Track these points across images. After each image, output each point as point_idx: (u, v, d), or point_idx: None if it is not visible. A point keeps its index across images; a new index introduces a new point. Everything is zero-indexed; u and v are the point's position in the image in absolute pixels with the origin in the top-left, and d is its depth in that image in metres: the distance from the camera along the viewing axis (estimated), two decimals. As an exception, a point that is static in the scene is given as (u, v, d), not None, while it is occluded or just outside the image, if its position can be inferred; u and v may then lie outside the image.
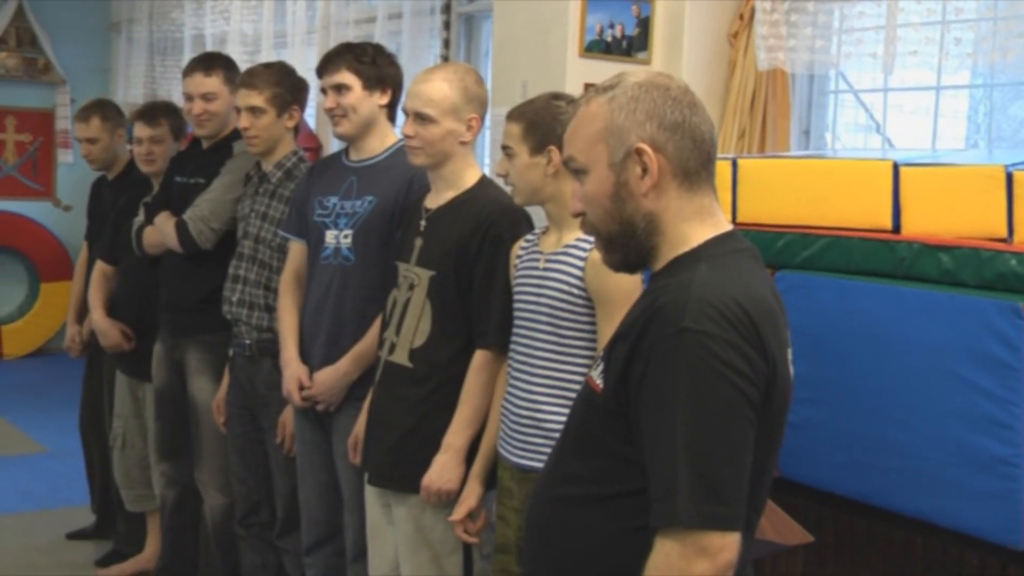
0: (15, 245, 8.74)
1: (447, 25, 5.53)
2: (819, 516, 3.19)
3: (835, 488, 3.09)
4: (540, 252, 2.79)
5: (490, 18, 5.56)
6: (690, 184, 1.74)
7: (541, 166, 2.73)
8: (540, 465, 2.72)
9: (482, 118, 3.04)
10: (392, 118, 3.41)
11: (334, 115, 3.30)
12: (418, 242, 3.00)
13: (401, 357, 2.97)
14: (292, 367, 3.36)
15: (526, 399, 2.75)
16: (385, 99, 3.33)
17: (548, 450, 2.71)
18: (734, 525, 1.58)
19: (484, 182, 3.06)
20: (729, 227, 1.79)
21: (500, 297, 2.88)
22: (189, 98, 3.98)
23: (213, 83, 3.95)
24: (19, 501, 5.46)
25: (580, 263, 2.70)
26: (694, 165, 1.74)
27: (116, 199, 4.65)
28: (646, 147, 1.72)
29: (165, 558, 4.29)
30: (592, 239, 2.63)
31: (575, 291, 2.69)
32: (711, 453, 1.58)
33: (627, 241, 1.79)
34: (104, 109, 4.79)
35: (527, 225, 3.00)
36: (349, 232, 3.27)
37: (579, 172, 1.81)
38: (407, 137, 2.99)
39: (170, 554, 4.27)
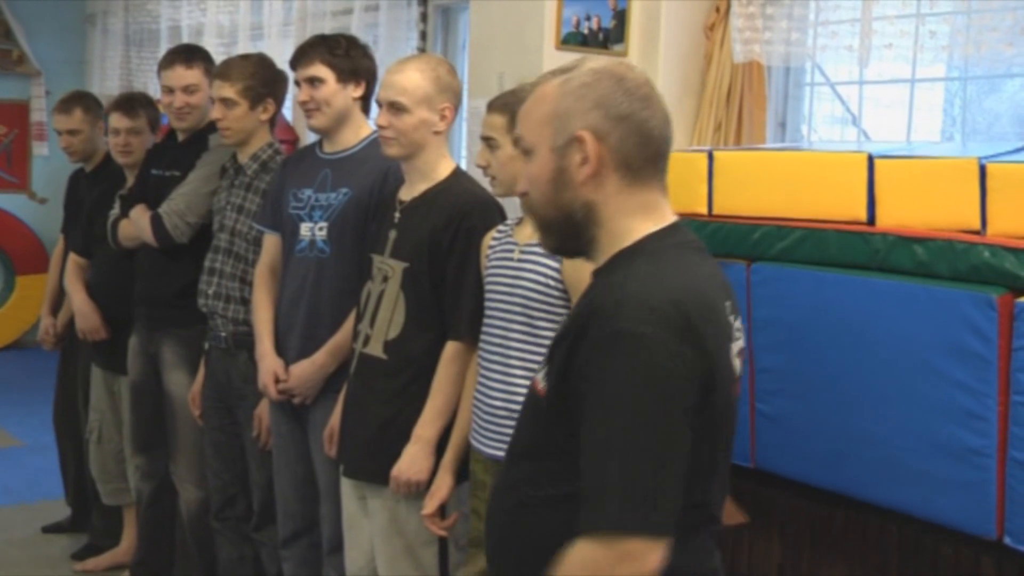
0: (-10, 238, 8.69)
1: (424, 17, 5.51)
2: (795, 507, 3.20)
3: (811, 479, 3.10)
4: (514, 243, 2.79)
5: (467, 10, 5.54)
6: (633, 178, 1.72)
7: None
8: None
9: (455, 108, 3.05)
10: (366, 110, 3.41)
11: (308, 108, 3.29)
12: (392, 234, 3.00)
13: (375, 349, 2.97)
14: (268, 360, 3.35)
15: (502, 390, 2.75)
16: (359, 91, 3.32)
17: None
18: (662, 531, 1.55)
19: (458, 174, 3.06)
20: (673, 219, 1.77)
21: (472, 289, 2.89)
22: (169, 91, 3.95)
23: (194, 75, 3.94)
24: (-4, 495, 5.45)
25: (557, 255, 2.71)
26: (638, 159, 1.72)
27: (94, 192, 4.63)
28: (587, 135, 1.70)
29: (141, 552, 4.28)
30: None
31: (551, 282, 2.69)
32: (643, 459, 1.54)
33: (564, 228, 1.77)
34: (85, 100, 4.78)
35: (500, 217, 3.00)
36: (324, 224, 3.26)
37: (526, 152, 1.80)
38: (381, 128, 2.98)
39: (146, 548, 4.26)
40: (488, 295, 2.82)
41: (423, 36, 5.51)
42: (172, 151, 4.07)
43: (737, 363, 1.74)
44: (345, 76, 3.29)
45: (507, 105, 2.77)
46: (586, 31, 4.15)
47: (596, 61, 1.77)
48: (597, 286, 1.73)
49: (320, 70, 3.26)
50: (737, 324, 1.77)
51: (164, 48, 7.46)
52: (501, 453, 2.74)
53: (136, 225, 3.94)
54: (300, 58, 3.31)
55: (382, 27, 5.60)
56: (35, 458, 5.88)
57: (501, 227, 2.91)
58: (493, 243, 2.87)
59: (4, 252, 8.74)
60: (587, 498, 1.58)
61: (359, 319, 3.05)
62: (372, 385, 2.98)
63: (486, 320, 2.81)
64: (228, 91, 3.60)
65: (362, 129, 3.36)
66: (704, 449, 1.63)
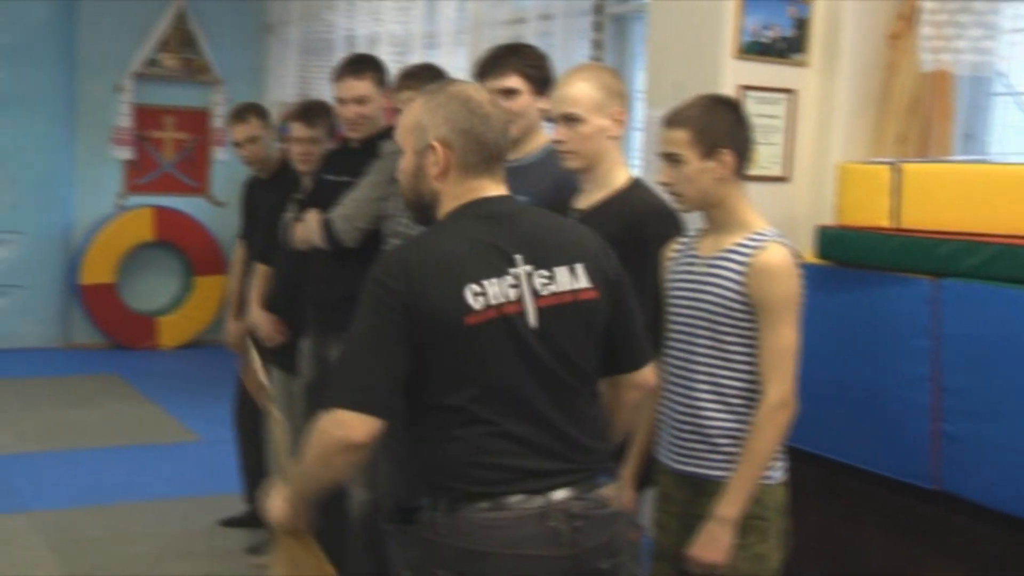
0: (171, 239, 9.02)
1: (598, 26, 5.51)
2: (982, 533, 3.09)
3: (1000, 504, 2.99)
4: (697, 256, 2.77)
5: (641, 19, 5.52)
6: (468, 174, 2.31)
7: (713, 170, 2.71)
8: (702, 471, 2.70)
9: (626, 111, 3.03)
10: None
11: None
12: None
13: None
14: None
15: (686, 405, 2.73)
16: (546, 103, 3.32)
17: (711, 456, 2.70)
18: (359, 407, 2.16)
19: (635, 183, 3.05)
20: (480, 196, 2.31)
21: (650, 302, 2.85)
22: (342, 102, 4.03)
23: (365, 86, 4.00)
24: (175, 487, 5.64)
25: (741, 268, 2.68)
26: (474, 161, 2.30)
27: (272, 198, 4.76)
28: (437, 145, 2.29)
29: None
30: (753, 243, 2.64)
31: (735, 296, 2.67)
32: (352, 358, 2.22)
33: (420, 207, 2.37)
34: (257, 108, 4.95)
35: (677, 226, 2.97)
36: None
37: (401, 151, 2.38)
38: (559, 143, 2.99)
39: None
40: (671, 308, 2.80)
41: (597, 45, 5.51)
42: (345, 157, 4.15)
43: (479, 300, 2.21)
44: (538, 87, 3.29)
45: (689, 120, 2.75)
46: (766, 40, 4.09)
47: (452, 86, 2.39)
48: None
49: (515, 81, 3.27)
50: (529, 271, 2.26)
51: (339, 57, 7.64)
52: (689, 468, 2.73)
53: (308, 228, 4.03)
54: (492, 68, 3.31)
55: (556, 36, 5.61)
56: (211, 452, 6.06)
57: (684, 239, 2.88)
58: (675, 255, 2.85)
59: (184, 254, 9.06)
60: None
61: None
62: None
63: (669, 334, 2.79)
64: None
65: (541, 138, 3.37)
66: (441, 360, 2.19)
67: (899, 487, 3.31)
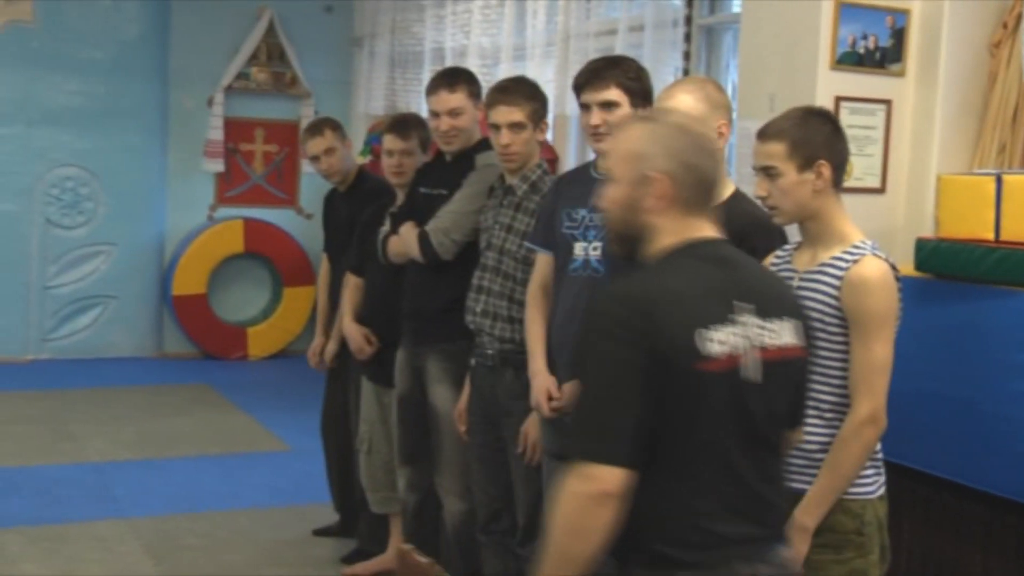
0: (261, 251, 9.15)
1: (688, 37, 5.49)
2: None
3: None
4: (794, 270, 2.75)
5: (731, 30, 5.50)
6: (687, 210, 2.18)
7: (810, 182, 2.70)
8: (803, 487, 2.68)
9: (730, 123, 3.01)
10: None
11: (599, 132, 3.27)
12: None
13: None
14: (541, 378, 3.39)
15: None
16: None
17: (810, 471, 2.67)
18: (610, 459, 2.00)
19: (738, 195, 3.03)
20: (701, 236, 2.18)
21: None
22: (435, 115, 4.05)
23: (458, 99, 4.02)
24: (268, 496, 5.72)
25: (836, 282, 2.65)
26: (693, 197, 2.18)
27: (351, 210, 4.80)
28: (659, 176, 2.15)
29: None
30: (850, 256, 2.61)
31: (829, 310, 2.65)
32: (594, 402, 2.05)
33: (628, 241, 2.24)
34: (331, 122, 4.99)
35: (781, 239, 2.96)
36: (598, 244, 3.27)
37: (609, 179, 2.25)
38: None
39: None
40: None
41: (687, 56, 5.49)
42: (440, 170, 4.17)
43: (709, 347, 2.06)
44: (638, 100, 3.29)
45: (784, 132, 2.73)
46: (862, 50, 4.05)
47: (674, 117, 2.40)
48: None
49: (615, 94, 3.26)
50: (754, 321, 2.12)
51: (428, 69, 7.72)
52: (795, 485, 2.69)
53: (404, 242, 4.06)
54: (593, 81, 3.30)
55: (646, 47, 5.60)
56: (301, 462, 6.14)
57: (780, 252, 2.87)
58: (772, 267, 2.83)
59: (273, 265, 9.19)
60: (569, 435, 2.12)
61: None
62: None
63: None
64: (517, 115, 3.64)
65: None
66: (661, 405, 2.03)
67: (999, 503, 3.26)
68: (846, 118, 4.00)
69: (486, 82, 6.88)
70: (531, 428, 3.56)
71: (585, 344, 2.11)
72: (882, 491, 2.75)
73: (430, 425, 4.10)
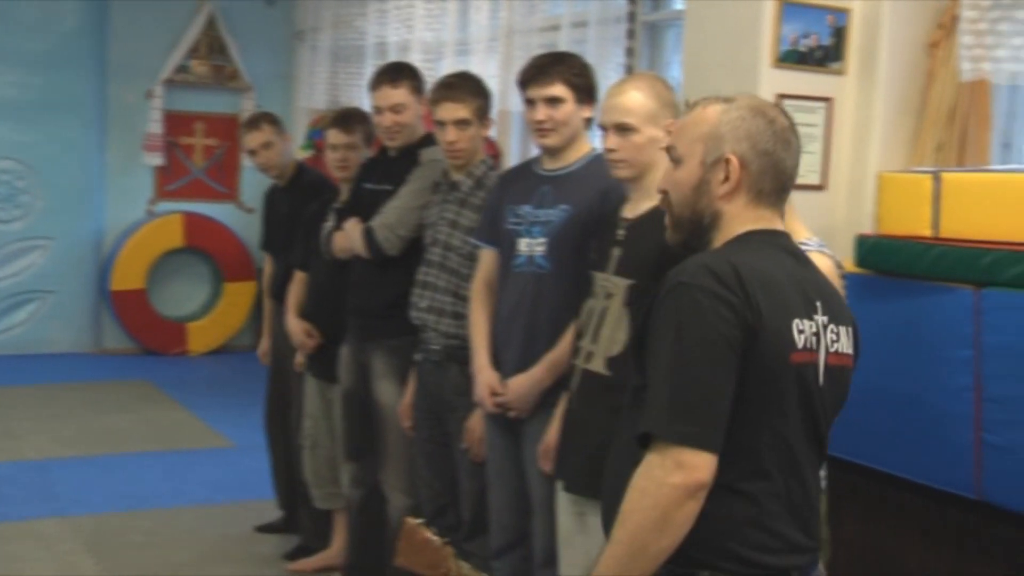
0: (201, 246, 9.08)
1: (631, 34, 5.52)
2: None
3: (1044, 514, 2.99)
4: None
5: (674, 27, 5.54)
6: (759, 201, 2.06)
7: None
8: None
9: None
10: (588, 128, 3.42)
11: (543, 128, 3.29)
12: (616, 252, 2.99)
13: (598, 365, 2.97)
14: (485, 374, 3.41)
15: None
16: (589, 112, 3.33)
17: None
18: (706, 445, 1.85)
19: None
20: (776, 227, 2.08)
21: None
22: (379, 111, 4.04)
23: (401, 94, 4.01)
24: (211, 492, 5.69)
25: None
26: (768, 188, 2.06)
27: (291, 206, 4.78)
28: (734, 160, 2.04)
29: (352, 556, 4.39)
30: (812, 243, 2.66)
31: None
32: (688, 380, 1.87)
33: (692, 227, 2.11)
34: (269, 116, 4.98)
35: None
36: (543, 240, 3.28)
37: (676, 160, 2.13)
38: (609, 151, 2.99)
39: (357, 552, 4.37)
40: None
41: (630, 53, 5.52)
42: (384, 165, 4.16)
43: (800, 337, 1.96)
44: (583, 96, 3.30)
45: None
46: (804, 49, 4.09)
47: (751, 100, 2.12)
48: None
49: (560, 90, 3.27)
50: (825, 322, 2.02)
51: (370, 64, 7.68)
52: None
53: (349, 237, 4.06)
54: (538, 76, 3.31)
55: (590, 43, 5.62)
56: (245, 458, 6.11)
57: None
58: None
59: (214, 260, 9.12)
60: (647, 413, 1.90)
61: (580, 336, 3.05)
62: (595, 401, 2.97)
63: None
64: (463, 111, 3.65)
65: (584, 147, 3.38)
66: (746, 391, 1.89)
67: (941, 497, 3.31)
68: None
69: (429, 77, 6.87)
70: (476, 424, 3.56)
71: (666, 315, 1.91)
72: (823, 485, 2.78)
73: (375, 421, 4.10)
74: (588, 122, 3.38)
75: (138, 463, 6.15)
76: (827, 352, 2.01)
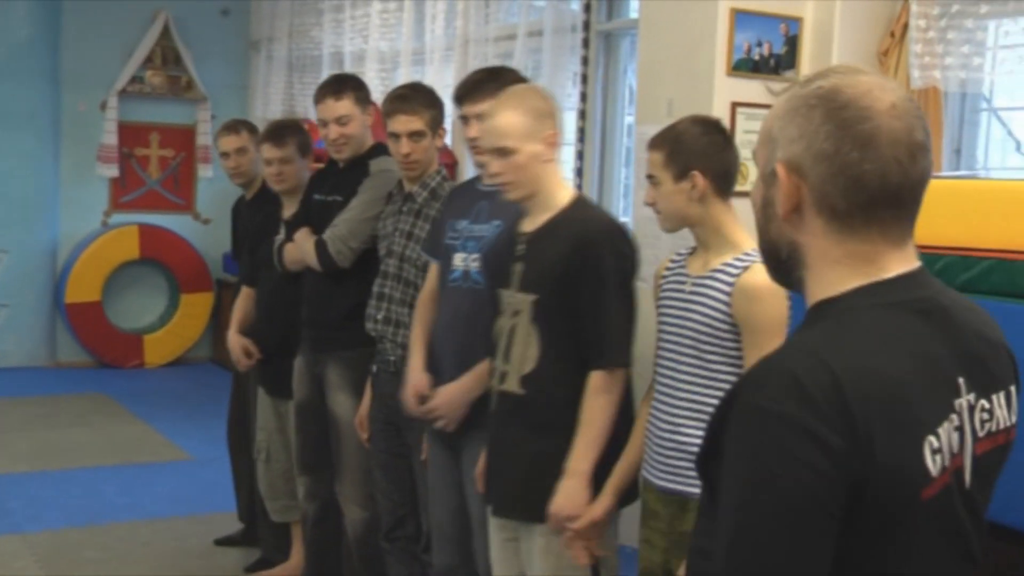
0: (157, 257, 9.00)
1: (586, 43, 5.54)
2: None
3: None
4: (687, 275, 2.78)
5: (629, 36, 5.57)
6: (841, 225, 1.45)
7: (685, 191, 2.72)
8: (684, 488, 2.71)
9: (559, 130, 3.00)
10: None
11: (477, 144, 3.24)
12: (518, 267, 2.97)
13: (512, 385, 2.94)
14: (414, 376, 3.39)
15: (668, 423, 2.74)
16: None
17: (692, 473, 2.66)
18: None
19: (578, 202, 3.02)
20: (893, 274, 1.46)
21: (614, 317, 2.86)
22: (324, 123, 4.03)
23: (345, 106, 3.98)
24: (169, 506, 5.63)
25: (727, 288, 2.68)
26: (846, 205, 1.43)
27: (254, 218, 4.76)
28: (782, 169, 1.46)
29: (309, 569, 4.37)
30: (740, 263, 2.66)
31: (721, 316, 2.67)
32: (755, 564, 1.34)
33: (773, 262, 1.56)
34: (248, 124, 4.94)
35: (627, 240, 2.97)
36: (477, 256, 3.26)
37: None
38: (494, 176, 2.97)
39: (314, 566, 4.35)
40: (660, 327, 2.81)
41: (585, 62, 5.54)
42: (334, 177, 4.14)
43: (937, 460, 1.39)
44: None
45: (665, 141, 2.76)
46: (757, 57, 4.13)
47: (836, 77, 1.46)
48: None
49: (487, 107, 3.18)
50: (971, 402, 1.47)
51: (326, 74, 7.66)
52: (671, 485, 2.73)
53: (301, 249, 4.04)
54: (471, 94, 3.30)
55: (545, 52, 5.65)
56: (204, 471, 6.07)
57: (676, 256, 2.89)
58: (666, 273, 2.87)
59: (170, 271, 9.05)
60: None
61: (493, 356, 3.01)
62: (513, 422, 2.95)
63: (658, 352, 2.80)
64: (417, 123, 3.63)
65: None
66: (859, 553, 1.36)
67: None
68: (742, 123, 4.09)
69: (385, 86, 6.89)
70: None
71: (737, 450, 1.37)
72: None
73: (330, 433, 4.07)
74: None
75: (95, 477, 6.09)
76: (975, 441, 1.46)
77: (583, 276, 2.86)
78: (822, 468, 1.30)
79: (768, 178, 1.49)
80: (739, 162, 2.85)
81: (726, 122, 4.10)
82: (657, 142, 2.78)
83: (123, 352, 8.89)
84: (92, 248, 8.74)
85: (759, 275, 2.62)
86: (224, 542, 5.06)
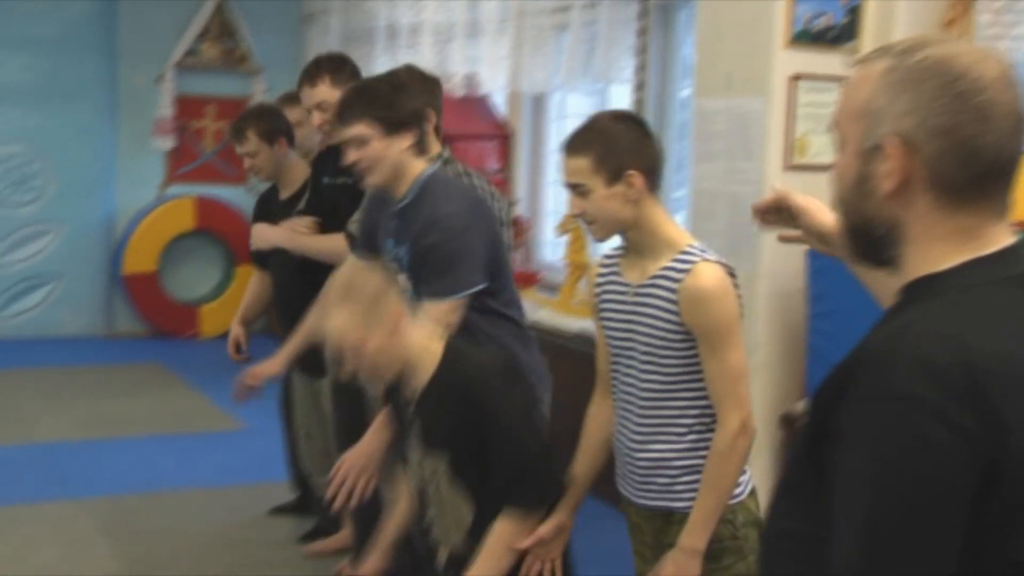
0: (212, 228, 9.06)
1: (643, 13, 5.48)
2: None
3: None
4: (626, 284, 2.64)
5: (686, 7, 5.50)
6: (951, 200, 1.41)
7: (620, 194, 2.55)
8: (668, 504, 2.63)
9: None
10: (422, 151, 3.32)
11: (359, 169, 3.22)
12: (416, 423, 2.80)
13: (457, 547, 2.80)
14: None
15: (636, 440, 2.65)
16: (407, 139, 3.21)
17: (672, 488, 2.61)
18: None
19: (448, 354, 2.77)
20: (996, 248, 1.43)
21: (512, 455, 2.69)
22: (308, 111, 4.04)
23: (322, 91, 3.96)
24: (223, 476, 5.68)
25: (671, 295, 2.54)
26: (961, 180, 1.40)
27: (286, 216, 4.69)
28: (894, 144, 1.40)
29: (356, 542, 4.37)
30: (681, 266, 2.53)
31: (671, 325, 2.54)
32: (890, 548, 1.31)
33: (863, 241, 1.50)
34: (255, 122, 4.49)
35: (507, 370, 2.84)
36: (404, 277, 3.23)
37: (840, 143, 1.53)
38: (354, 164, 3.16)
39: (360, 539, 4.35)
40: (608, 339, 2.69)
41: (642, 33, 5.48)
42: (336, 157, 4.03)
43: None
44: (391, 128, 3.18)
45: (587, 145, 2.57)
46: (817, 29, 4.06)
47: (934, 48, 1.43)
48: (882, 323, 1.48)
49: (362, 129, 3.17)
50: None
51: (380, 47, 7.66)
52: (652, 503, 2.65)
53: (329, 247, 4.00)
54: (339, 119, 3.27)
55: (601, 24, 5.59)
56: (257, 441, 6.10)
57: (605, 262, 2.74)
58: (600, 280, 2.72)
59: (225, 243, 9.10)
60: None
61: (417, 525, 2.91)
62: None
63: (612, 364, 2.70)
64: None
65: (413, 173, 3.25)
66: (985, 537, 1.32)
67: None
68: (803, 96, 4.03)
69: (439, 59, 6.87)
70: None
71: (865, 443, 1.34)
72: (750, 487, 2.66)
73: (365, 410, 4.06)
74: (415, 147, 3.23)
75: (150, 446, 6.15)
76: None
77: (479, 428, 2.69)
78: (957, 451, 1.28)
79: (866, 153, 1.44)
80: (664, 154, 2.69)
81: (784, 94, 4.06)
82: (578, 146, 2.57)
83: (179, 322, 8.97)
84: (148, 220, 8.81)
85: (703, 277, 2.51)
86: (279, 510, 5.09)
